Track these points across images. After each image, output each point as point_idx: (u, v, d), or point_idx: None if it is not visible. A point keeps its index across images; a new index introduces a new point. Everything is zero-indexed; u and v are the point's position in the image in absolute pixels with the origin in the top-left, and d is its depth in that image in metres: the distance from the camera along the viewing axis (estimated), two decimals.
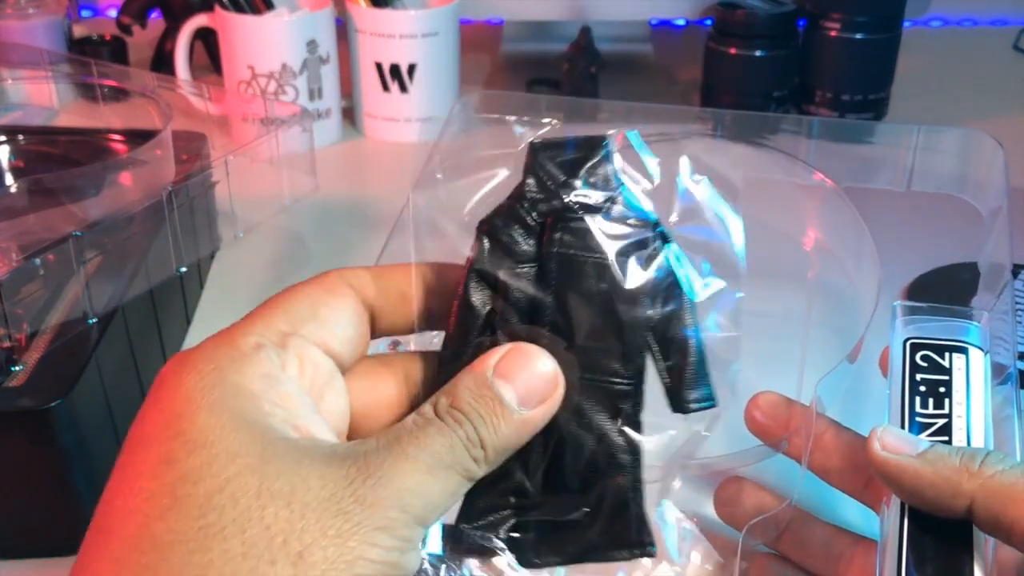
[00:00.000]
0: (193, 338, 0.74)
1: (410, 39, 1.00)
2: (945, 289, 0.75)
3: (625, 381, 0.38)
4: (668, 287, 0.39)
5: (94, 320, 0.59)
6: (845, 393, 0.50)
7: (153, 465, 0.31)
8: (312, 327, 0.37)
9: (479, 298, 0.39)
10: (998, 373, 0.44)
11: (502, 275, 0.39)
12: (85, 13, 1.37)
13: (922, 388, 0.42)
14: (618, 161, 0.40)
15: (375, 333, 0.40)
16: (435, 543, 0.39)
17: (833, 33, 1.01)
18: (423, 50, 1.01)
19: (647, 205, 0.40)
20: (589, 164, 0.40)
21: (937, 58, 1.23)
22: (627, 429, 0.38)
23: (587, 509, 0.39)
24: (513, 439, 0.36)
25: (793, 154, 0.52)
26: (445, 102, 1.04)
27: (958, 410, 0.41)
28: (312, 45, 0.99)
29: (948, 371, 0.42)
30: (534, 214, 0.39)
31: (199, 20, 1.03)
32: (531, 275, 0.39)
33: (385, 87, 1.02)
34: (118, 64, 1.06)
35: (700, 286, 0.39)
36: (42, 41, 1.08)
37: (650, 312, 0.39)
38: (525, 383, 0.36)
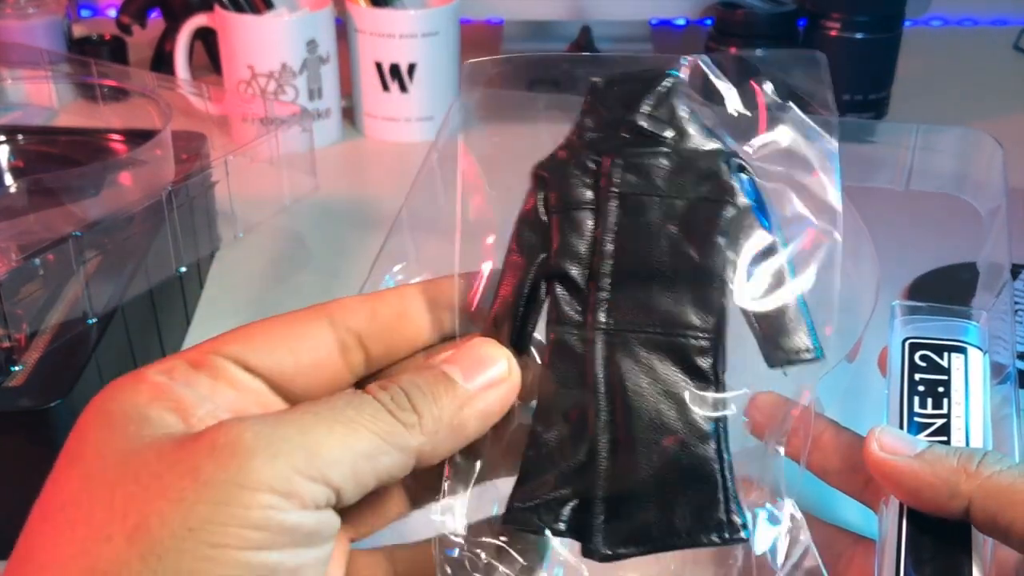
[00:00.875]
0: (193, 338, 0.74)
1: (410, 39, 1.00)
2: (945, 289, 0.75)
3: (703, 334, 0.33)
4: (749, 225, 0.34)
5: (94, 320, 0.59)
6: (844, 393, 0.50)
7: (45, 490, 0.32)
8: (243, 351, 0.34)
9: (530, 248, 0.35)
10: (997, 372, 0.44)
11: (556, 220, 0.35)
12: (85, 13, 1.37)
13: (921, 388, 0.42)
14: (688, 91, 0.36)
15: (373, 361, 0.37)
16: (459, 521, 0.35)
17: (833, 33, 1.01)
18: (423, 50, 1.01)
19: (722, 136, 0.35)
20: (652, 95, 0.35)
21: (937, 58, 1.23)
22: (707, 392, 0.34)
23: (663, 486, 0.33)
24: (459, 417, 0.33)
25: None
26: (445, 102, 1.04)
27: (957, 410, 0.41)
28: (312, 45, 0.99)
29: (947, 371, 0.42)
30: (593, 155, 0.35)
31: (199, 20, 1.03)
32: (589, 219, 0.35)
33: (385, 87, 1.02)
34: (118, 64, 1.06)
35: (787, 223, 0.35)
36: (42, 41, 1.08)
37: (730, 254, 0.34)
38: (472, 364, 0.34)
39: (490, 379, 0.34)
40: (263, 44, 0.98)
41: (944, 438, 0.41)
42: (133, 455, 0.30)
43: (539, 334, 0.36)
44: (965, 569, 0.37)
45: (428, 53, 1.01)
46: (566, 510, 0.34)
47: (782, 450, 0.36)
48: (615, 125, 0.35)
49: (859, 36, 1.00)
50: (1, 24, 1.08)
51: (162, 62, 1.14)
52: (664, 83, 0.36)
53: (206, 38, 1.12)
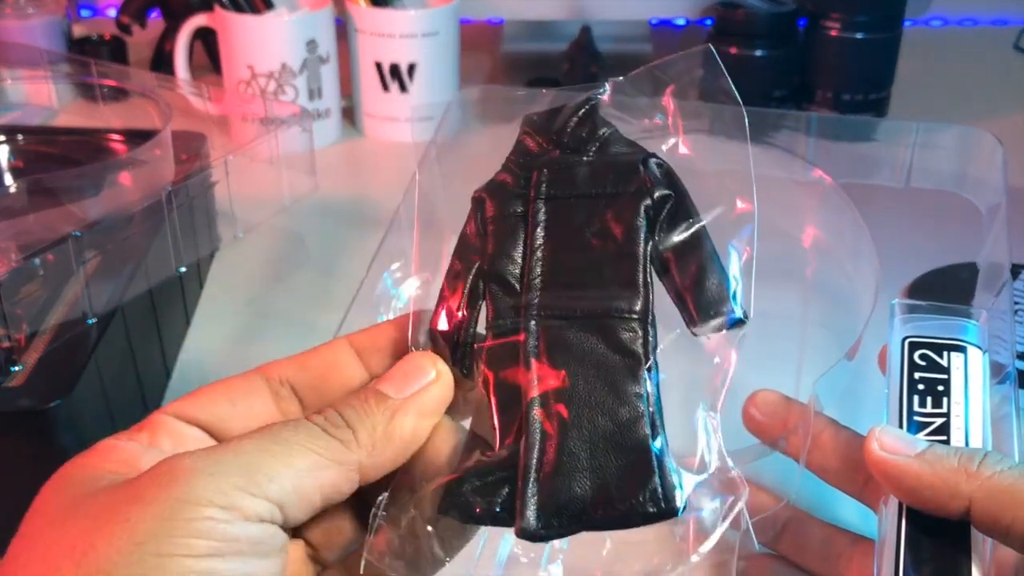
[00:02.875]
0: (193, 338, 0.74)
1: (410, 39, 1.00)
2: (945, 289, 0.75)
3: (631, 316, 0.35)
4: (670, 212, 0.37)
5: (93, 320, 0.59)
6: (843, 392, 0.50)
7: (8, 549, 0.33)
8: (182, 406, 0.37)
9: (469, 264, 0.38)
10: (996, 372, 0.44)
11: (491, 229, 0.37)
12: (85, 13, 1.37)
13: (920, 387, 0.42)
14: (611, 109, 0.39)
15: (309, 408, 0.39)
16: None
17: (834, 33, 1.01)
18: (423, 50, 1.01)
19: (640, 146, 0.38)
20: (576, 118, 0.39)
21: (937, 58, 1.23)
22: (639, 371, 0.35)
23: (598, 465, 0.34)
24: (392, 425, 0.35)
25: (792, 151, 0.51)
26: (445, 102, 1.03)
27: (956, 409, 0.41)
28: (312, 45, 0.99)
29: (947, 370, 0.42)
30: (525, 173, 0.38)
31: (199, 20, 1.03)
32: (521, 226, 0.37)
33: (385, 87, 1.02)
34: (118, 64, 1.06)
35: (709, 207, 0.37)
36: (41, 41, 1.08)
37: (652, 240, 0.36)
38: (403, 378, 0.36)
39: (421, 387, 0.36)
40: (263, 44, 0.98)
41: (943, 437, 0.40)
42: (83, 500, 0.32)
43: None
44: (964, 569, 0.37)
45: (428, 53, 1.01)
46: (501, 493, 0.34)
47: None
48: (546, 147, 0.39)
49: (859, 36, 1.00)
50: (1, 24, 1.08)
51: (162, 62, 1.14)
52: (586, 106, 0.39)
53: (206, 38, 1.12)
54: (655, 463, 0.34)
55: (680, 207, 0.37)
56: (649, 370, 0.35)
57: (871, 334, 0.50)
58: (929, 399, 0.41)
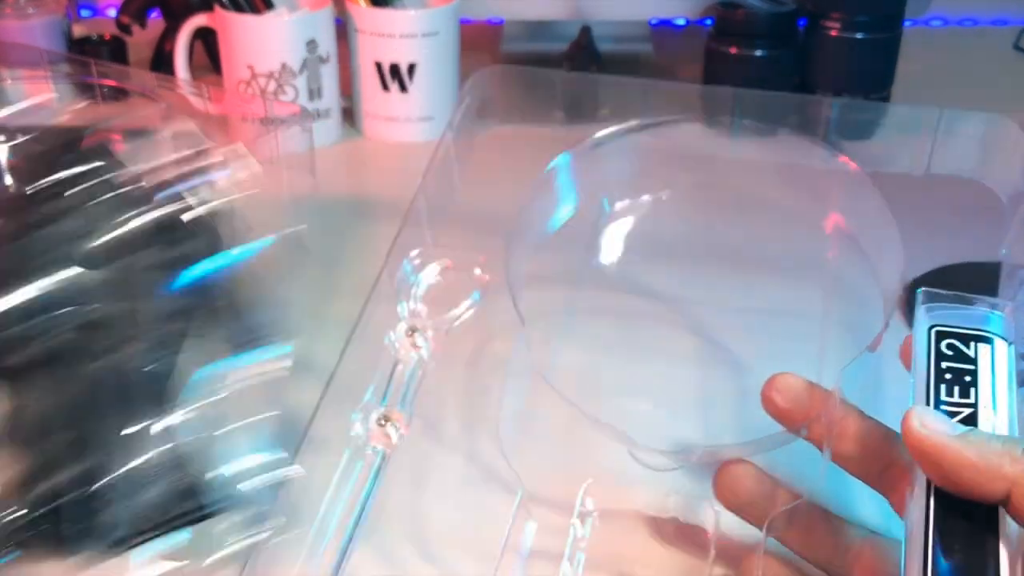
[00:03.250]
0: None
1: (410, 39, 1.00)
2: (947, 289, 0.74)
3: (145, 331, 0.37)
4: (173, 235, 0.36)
5: None
6: (863, 385, 0.50)
7: None
8: None
9: None
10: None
11: None
12: (85, 13, 1.36)
13: (947, 376, 0.41)
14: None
15: None
16: None
17: (834, 33, 1.01)
18: (423, 50, 1.01)
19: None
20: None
21: (937, 58, 1.23)
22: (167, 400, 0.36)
23: (140, 482, 0.35)
24: None
25: (813, 136, 0.51)
26: (445, 102, 1.03)
27: (984, 400, 0.41)
28: (312, 45, 0.98)
29: (974, 360, 0.42)
30: None
31: (199, 20, 1.02)
32: None
33: (385, 87, 1.02)
34: (118, 64, 1.06)
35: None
36: (41, 41, 1.07)
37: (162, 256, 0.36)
38: None
39: None
40: (263, 44, 0.98)
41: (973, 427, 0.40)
42: None
43: None
44: (994, 553, 0.36)
45: (428, 53, 1.01)
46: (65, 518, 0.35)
47: None
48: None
49: (859, 36, 1.00)
50: (1, 24, 1.07)
51: (162, 62, 1.14)
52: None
53: (206, 38, 1.11)
54: (190, 475, 0.36)
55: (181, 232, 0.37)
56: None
57: (891, 327, 0.50)
58: (956, 389, 0.41)
